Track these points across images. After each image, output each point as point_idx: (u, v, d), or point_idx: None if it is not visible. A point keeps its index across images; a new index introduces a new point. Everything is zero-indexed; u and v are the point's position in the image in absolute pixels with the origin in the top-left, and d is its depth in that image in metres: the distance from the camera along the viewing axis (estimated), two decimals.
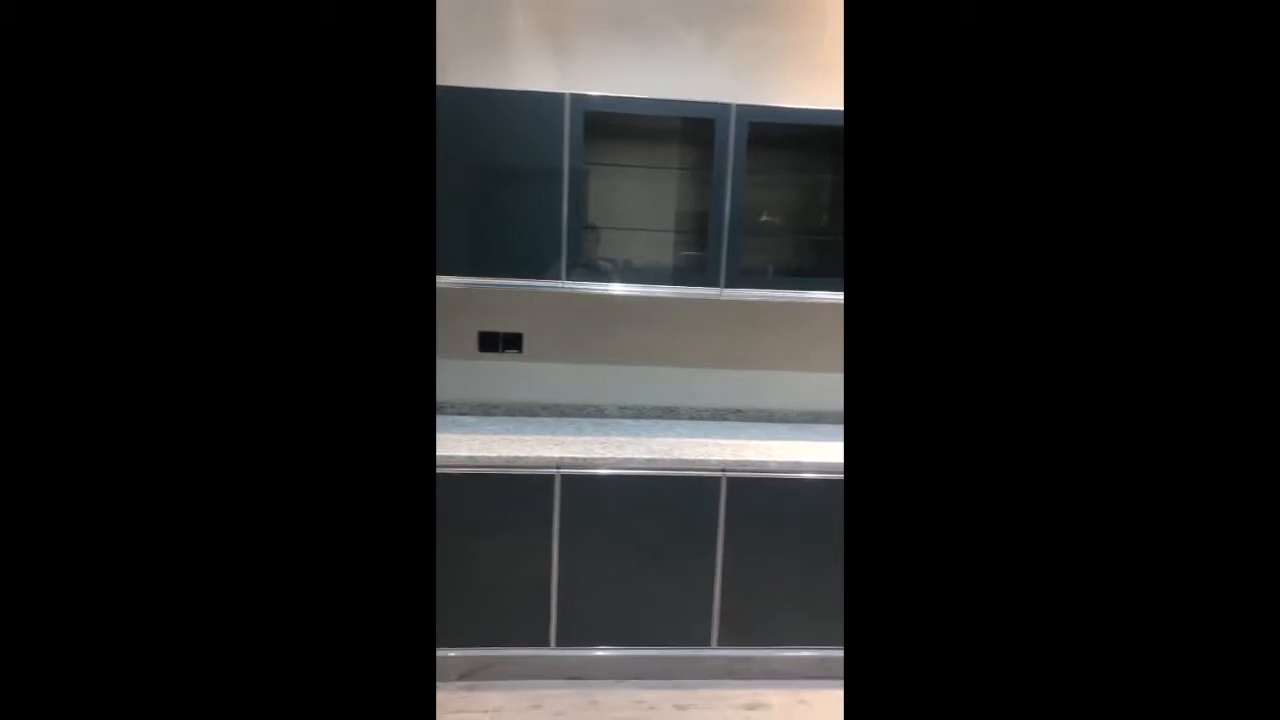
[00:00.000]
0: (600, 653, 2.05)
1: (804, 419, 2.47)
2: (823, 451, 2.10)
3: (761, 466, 2.00)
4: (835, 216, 2.28)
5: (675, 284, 2.13)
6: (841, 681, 2.09)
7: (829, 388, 2.48)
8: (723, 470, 1.99)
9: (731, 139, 2.01)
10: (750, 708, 1.98)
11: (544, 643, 2.02)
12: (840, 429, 2.39)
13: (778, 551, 2.04)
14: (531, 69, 2.21)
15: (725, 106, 2.00)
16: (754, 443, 2.16)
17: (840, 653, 2.10)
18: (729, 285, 2.10)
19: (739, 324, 2.41)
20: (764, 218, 2.33)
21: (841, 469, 2.01)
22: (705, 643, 2.06)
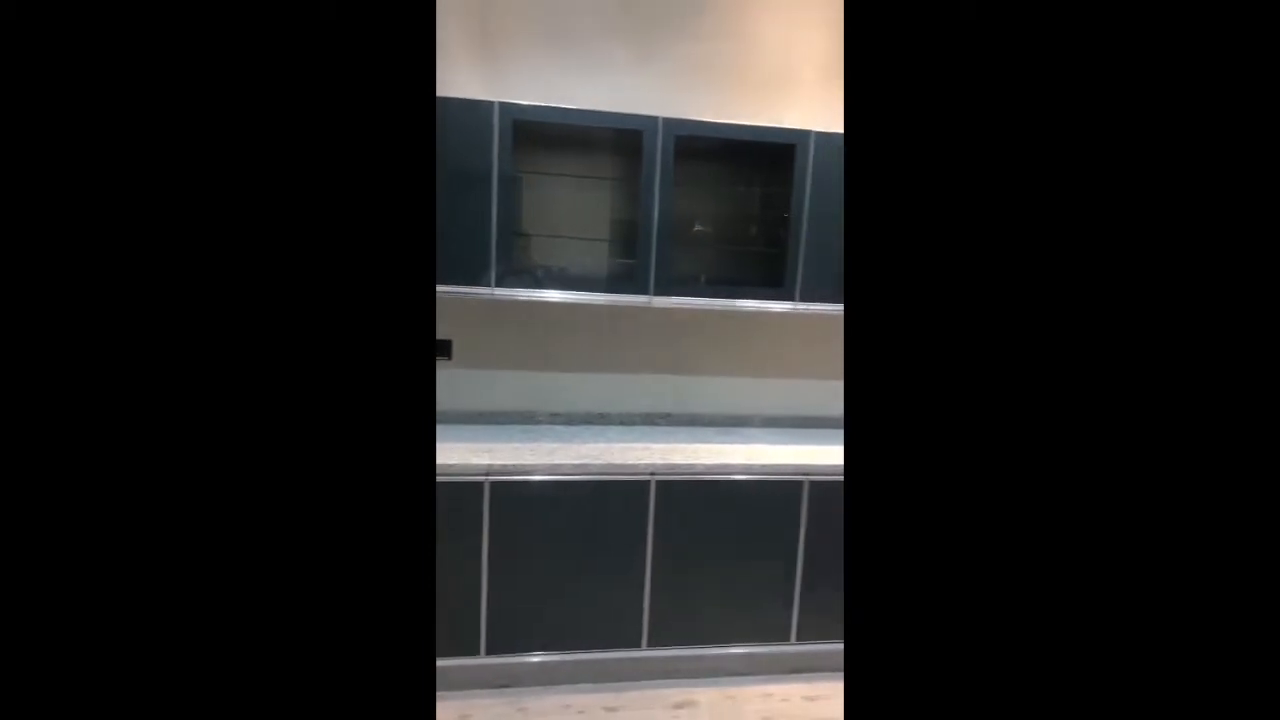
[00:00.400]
0: (532, 659, 2.05)
1: (731, 422, 2.54)
2: (750, 453, 2.17)
3: (690, 469, 2.05)
4: (764, 228, 2.37)
5: (608, 291, 2.16)
6: (765, 676, 2.16)
7: (757, 392, 2.56)
8: (651, 474, 2.03)
9: (659, 151, 2.07)
10: (679, 706, 2.02)
11: (474, 652, 2.01)
12: (766, 431, 2.47)
13: (706, 551, 2.10)
14: (462, 77, 2.21)
15: (653, 119, 2.05)
16: (683, 446, 2.21)
17: (766, 649, 2.17)
18: (658, 293, 2.15)
19: (669, 331, 2.47)
20: (697, 228, 2.40)
21: (767, 470, 2.09)
22: (636, 644, 2.09)
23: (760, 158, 2.31)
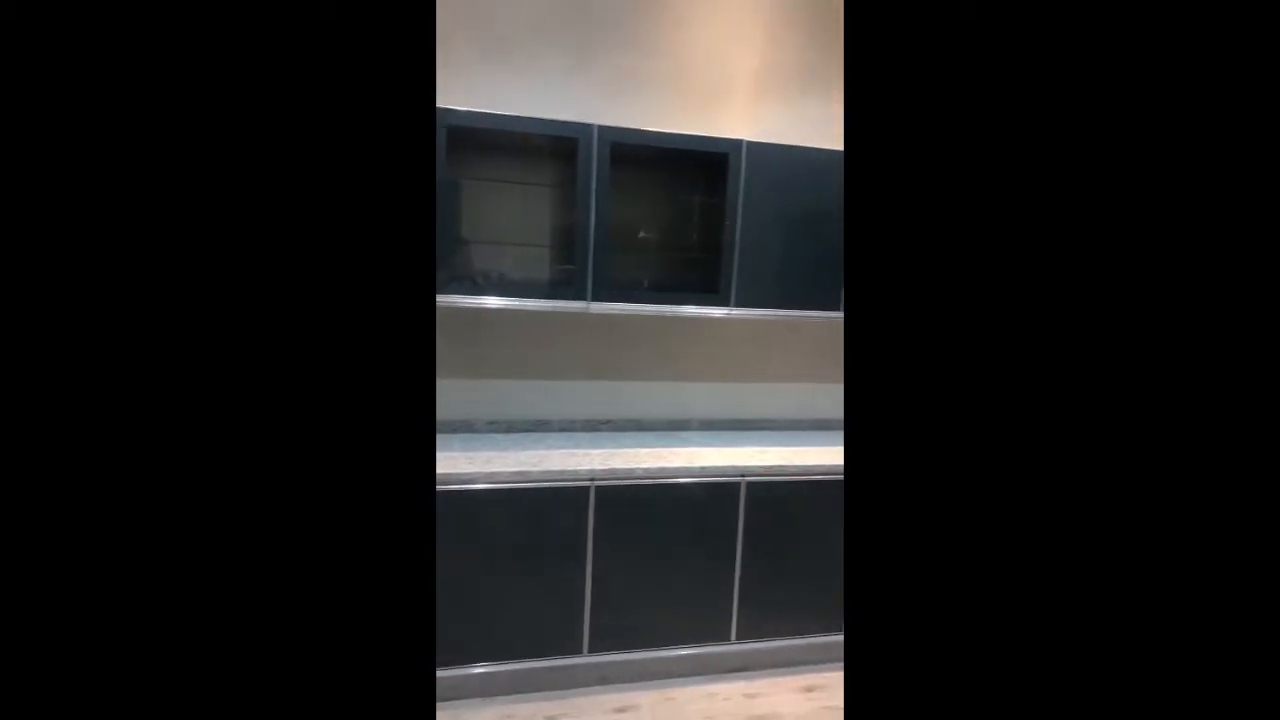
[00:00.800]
0: (473, 671, 2.02)
1: (671, 426, 2.57)
2: (689, 456, 2.20)
3: (629, 474, 2.06)
4: (704, 235, 2.41)
5: (547, 298, 2.17)
6: (707, 676, 2.19)
7: (695, 396, 2.60)
8: (591, 479, 2.04)
9: (595, 158, 2.09)
10: (620, 711, 2.02)
11: None
12: (705, 434, 2.51)
13: (647, 555, 2.11)
14: None
15: (588, 127, 2.08)
16: (622, 451, 2.23)
17: (706, 649, 2.20)
18: (596, 299, 2.17)
19: (607, 337, 2.48)
20: (642, 234, 2.43)
21: (705, 473, 2.12)
22: (577, 651, 2.09)
23: (696, 166, 2.36)
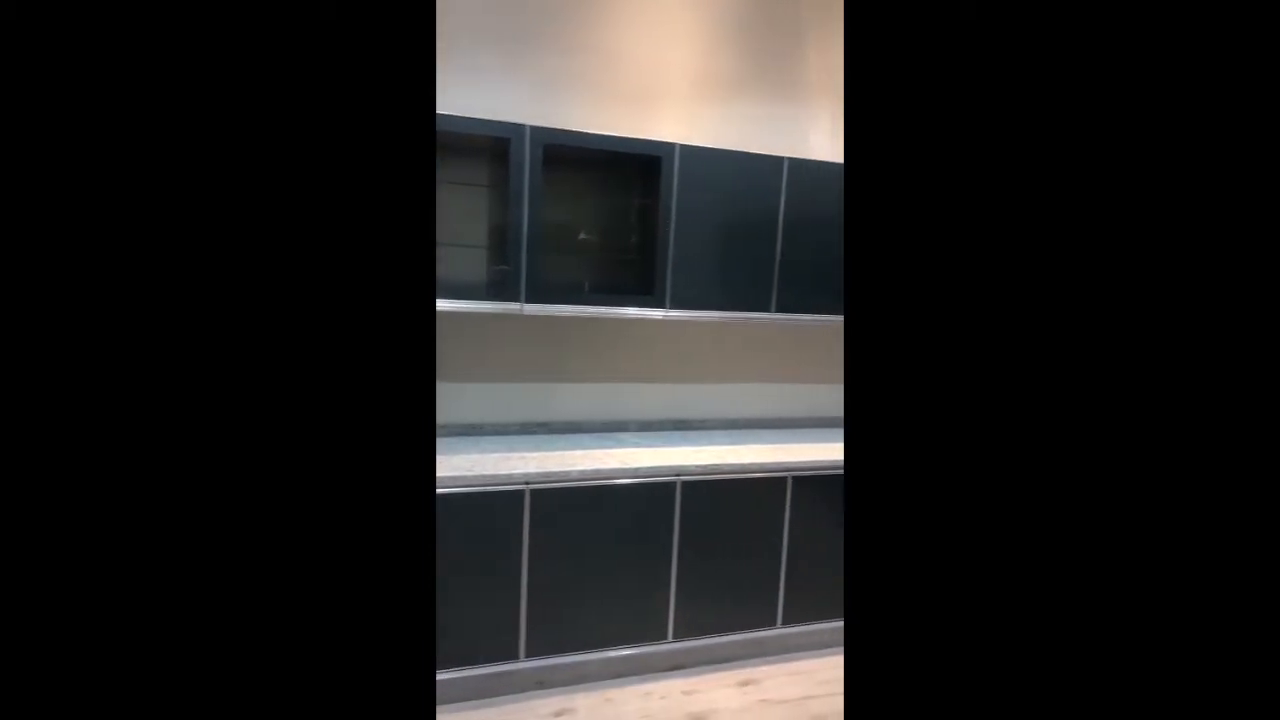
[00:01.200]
0: None
1: (608, 428, 2.57)
2: (624, 457, 2.21)
3: (564, 477, 2.06)
4: (642, 237, 2.42)
5: (483, 299, 2.13)
6: (644, 676, 2.20)
7: (631, 397, 2.61)
8: (526, 483, 2.02)
9: (527, 158, 2.07)
10: (558, 715, 2.02)
11: None
12: (641, 435, 2.53)
13: (583, 557, 2.11)
14: None
15: (520, 127, 2.05)
16: (557, 454, 2.22)
17: (644, 649, 2.21)
18: (530, 300, 2.15)
19: (542, 338, 2.47)
20: (582, 235, 2.42)
21: (640, 474, 2.13)
22: (513, 656, 2.07)
23: (632, 168, 2.37)
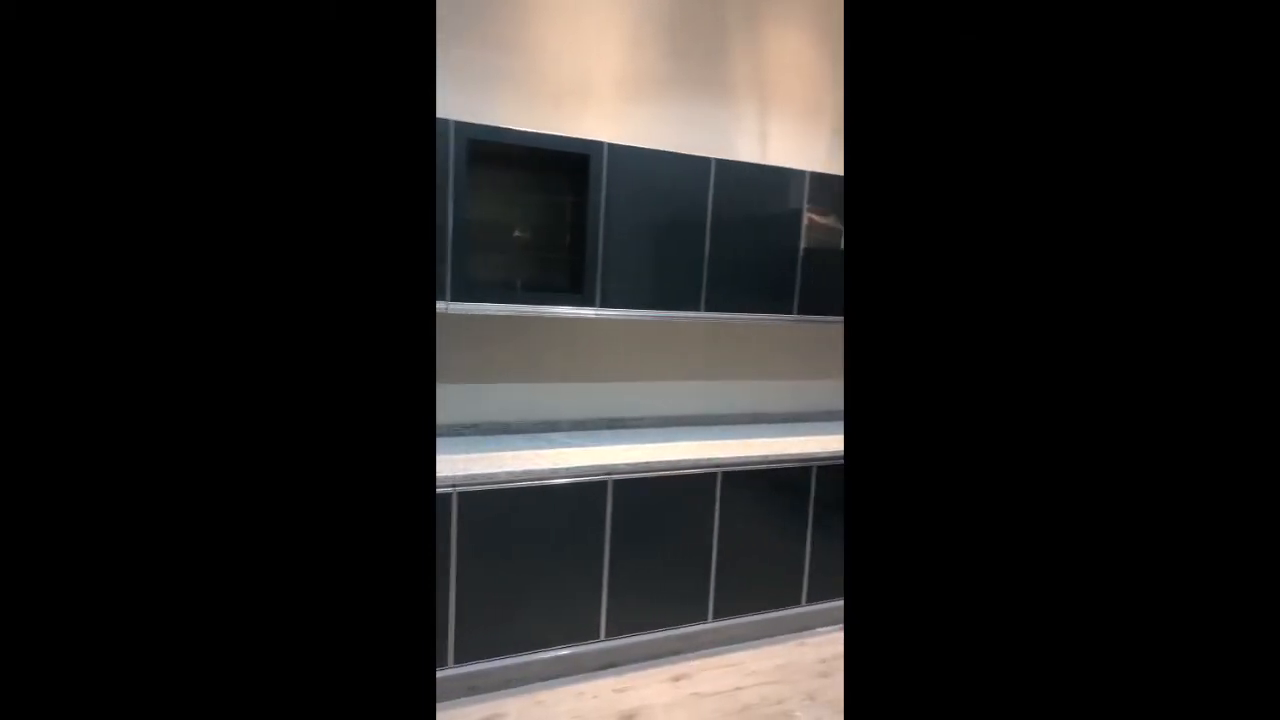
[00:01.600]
0: None
1: (540, 428, 2.55)
2: (555, 457, 2.19)
3: (491, 479, 2.02)
4: (574, 236, 2.40)
5: None
6: (576, 676, 2.19)
7: (566, 395, 2.60)
8: (453, 486, 1.98)
9: (451, 155, 2.03)
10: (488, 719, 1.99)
11: None
12: (575, 435, 2.52)
13: (514, 558, 2.08)
14: None
15: (444, 122, 2.01)
16: (485, 455, 2.18)
17: (576, 649, 2.20)
18: (455, 299, 2.10)
19: (469, 339, 2.42)
20: (516, 234, 2.38)
21: (571, 473, 2.12)
22: (442, 663, 2.02)
23: (561, 167, 2.35)
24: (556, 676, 2.18)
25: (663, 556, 2.30)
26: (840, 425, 2.98)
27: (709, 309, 2.46)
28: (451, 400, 2.43)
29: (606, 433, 2.60)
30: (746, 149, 2.73)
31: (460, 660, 2.04)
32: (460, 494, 1.99)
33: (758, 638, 2.50)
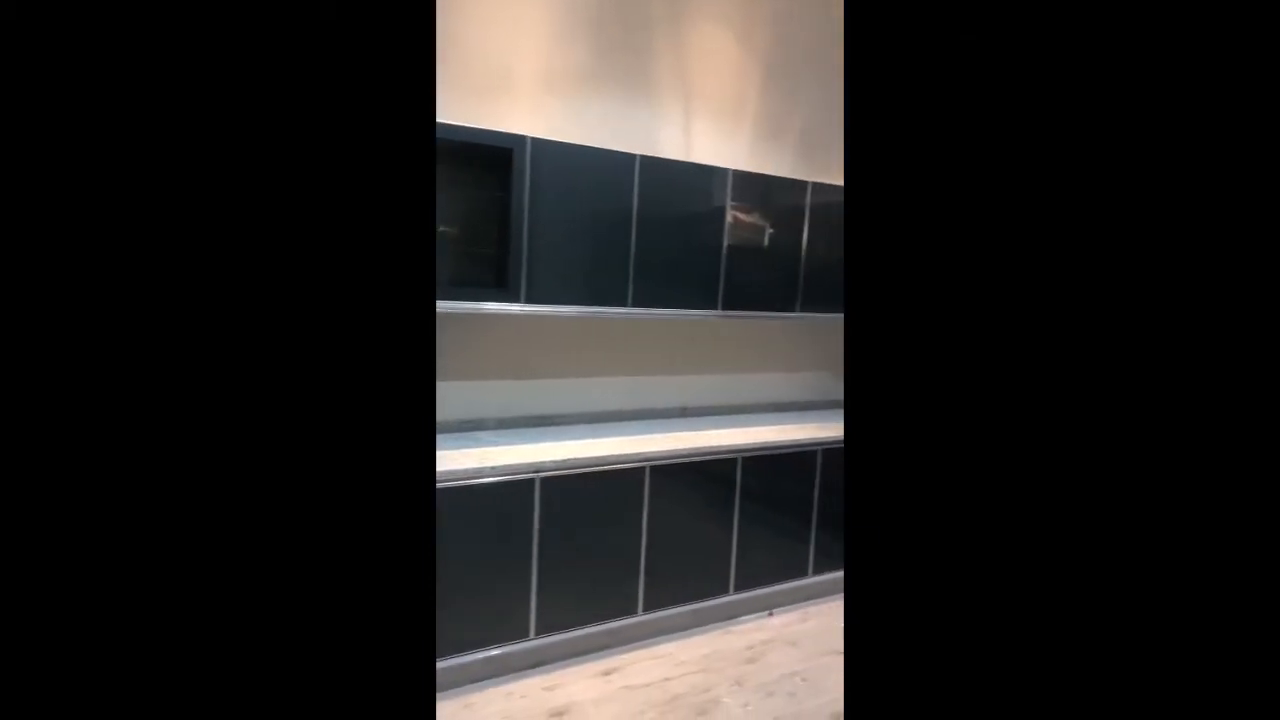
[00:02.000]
0: None
1: (465, 427, 2.50)
2: (481, 456, 2.15)
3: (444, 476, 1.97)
4: (500, 231, 2.35)
5: None
6: (505, 676, 2.17)
7: (493, 393, 2.56)
8: None
9: None
10: None
11: None
12: (501, 433, 2.48)
13: (440, 560, 2.04)
14: None
15: None
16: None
17: (505, 649, 2.18)
18: None
19: None
20: (441, 228, 2.31)
21: (498, 471, 2.10)
22: None
23: (484, 161, 2.30)
24: (486, 678, 2.15)
25: (593, 552, 2.31)
26: (765, 417, 3.07)
27: (636, 304, 2.48)
28: None
29: (534, 430, 2.58)
30: (671, 146, 2.76)
31: None
32: None
33: (686, 628, 2.54)
